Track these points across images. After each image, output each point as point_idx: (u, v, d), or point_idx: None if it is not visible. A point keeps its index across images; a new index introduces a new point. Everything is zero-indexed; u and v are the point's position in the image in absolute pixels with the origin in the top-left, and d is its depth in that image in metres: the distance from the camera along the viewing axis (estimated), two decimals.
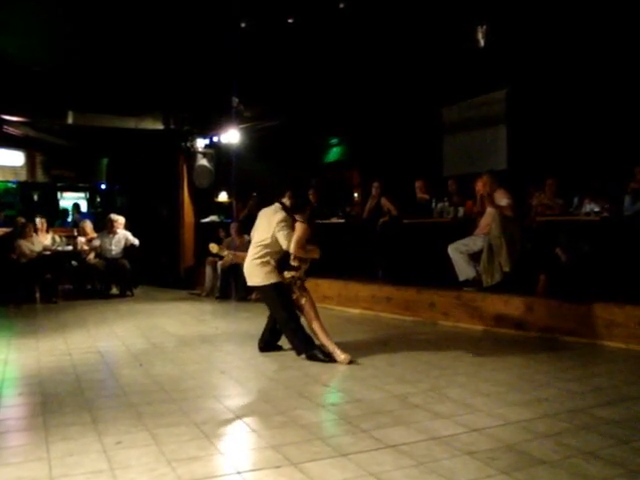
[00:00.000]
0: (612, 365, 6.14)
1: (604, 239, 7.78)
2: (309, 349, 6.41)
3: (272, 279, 6.57)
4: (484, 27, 8.78)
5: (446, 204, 10.41)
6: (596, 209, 8.37)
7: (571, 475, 3.38)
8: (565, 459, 3.60)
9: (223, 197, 17.06)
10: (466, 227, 9.11)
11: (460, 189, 10.58)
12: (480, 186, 8.77)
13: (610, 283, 7.23)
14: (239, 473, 3.46)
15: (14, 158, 18.00)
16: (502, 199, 8.45)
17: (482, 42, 8.87)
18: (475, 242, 8.67)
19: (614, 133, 9.49)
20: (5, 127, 14.13)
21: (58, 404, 4.93)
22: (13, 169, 18.15)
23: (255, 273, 6.70)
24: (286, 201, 6.83)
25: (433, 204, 10.61)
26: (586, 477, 3.36)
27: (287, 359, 6.49)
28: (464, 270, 8.71)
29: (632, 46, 9.04)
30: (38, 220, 12.91)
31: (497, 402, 4.79)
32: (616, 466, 3.49)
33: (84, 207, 20.54)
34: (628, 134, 9.30)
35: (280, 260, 6.67)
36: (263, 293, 6.81)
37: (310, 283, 10.83)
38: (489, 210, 8.55)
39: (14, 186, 19.08)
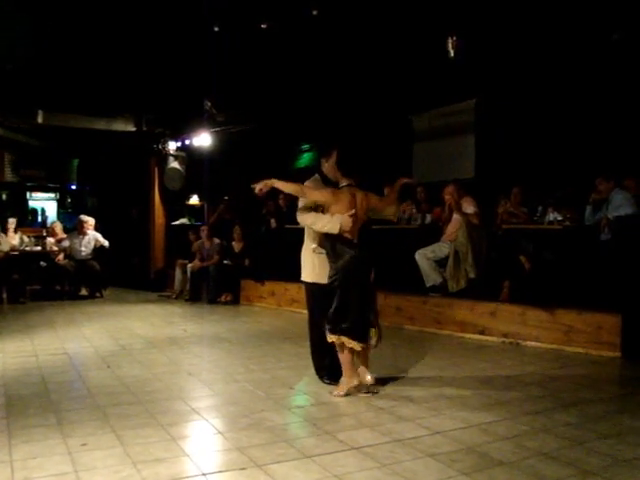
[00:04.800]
0: (570, 369, 6.29)
1: (566, 247, 7.95)
2: (318, 370, 5.77)
3: (307, 278, 5.68)
4: (454, 38, 8.93)
5: (414, 211, 10.53)
6: (559, 218, 8.54)
7: (528, 476, 3.49)
8: (523, 460, 3.71)
9: (194, 200, 17.06)
10: (433, 234, 9.23)
11: (428, 196, 10.70)
12: (448, 194, 8.90)
13: (571, 290, 7.39)
14: (204, 475, 3.51)
15: None
16: (469, 207, 8.59)
17: (452, 53, 9.01)
18: (442, 249, 8.80)
19: (577, 145, 9.69)
20: None
21: (23, 406, 4.92)
22: None
23: (302, 263, 5.79)
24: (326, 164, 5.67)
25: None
26: (542, 477, 3.47)
27: (254, 362, 6.54)
28: (430, 276, 8.84)
29: (597, 59, 9.25)
30: (8, 220, 12.84)
31: (460, 405, 4.90)
32: (570, 466, 3.61)
33: (54, 208, 20.42)
34: (590, 146, 9.51)
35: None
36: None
37: (279, 287, 11.04)
38: (456, 217, 8.68)
39: None
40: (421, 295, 8.89)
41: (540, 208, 9.12)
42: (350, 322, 5.10)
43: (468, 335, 8.08)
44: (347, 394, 5.17)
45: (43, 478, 3.48)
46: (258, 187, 5.30)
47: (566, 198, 8.86)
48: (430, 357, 6.90)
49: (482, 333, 7.95)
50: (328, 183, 5.58)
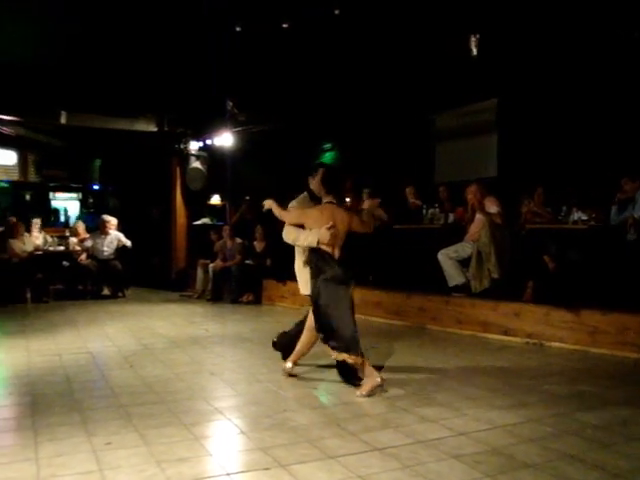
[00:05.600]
0: (595, 371, 6.23)
1: (591, 247, 7.88)
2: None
3: (305, 291, 5.81)
4: (477, 36, 8.87)
5: (437, 210, 10.49)
6: (584, 217, 8.47)
7: (554, 478, 3.44)
8: (548, 462, 3.67)
9: (216, 200, 17.09)
10: (456, 233, 9.19)
11: (451, 196, 10.65)
12: (471, 194, 8.86)
13: (596, 291, 7.31)
14: (228, 475, 3.50)
15: (6, 157, 18.01)
16: (492, 206, 8.54)
17: (475, 51, 8.96)
18: (464, 248, 8.76)
19: (602, 143, 9.60)
20: None
21: (47, 405, 4.95)
22: (5, 168, 18.16)
23: (297, 277, 6.02)
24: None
25: (424, 210, 10.69)
26: None
27: (276, 362, 6.50)
28: (453, 276, 8.80)
29: (621, 57, 9.15)
30: (33, 220, 12.95)
31: (484, 406, 4.85)
32: (597, 469, 3.56)
33: (76, 208, 20.57)
34: (615, 145, 9.41)
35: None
36: None
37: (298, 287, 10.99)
38: (479, 217, 8.64)
39: (6, 185, 19.09)
40: (444, 295, 8.85)
41: (564, 208, 9.06)
42: (340, 338, 5.24)
43: (491, 335, 8.01)
44: (370, 394, 5.15)
45: (68, 476, 3.49)
46: (266, 206, 5.83)
47: (591, 198, 8.78)
48: (453, 358, 6.86)
49: (506, 334, 7.89)
50: (315, 199, 5.84)
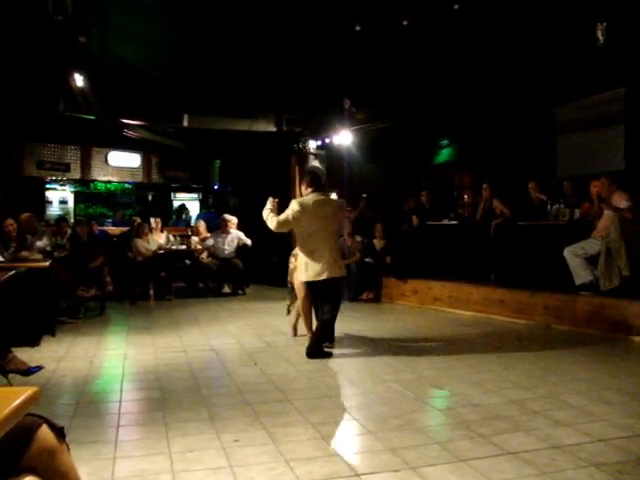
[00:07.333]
0: None
1: None
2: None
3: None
4: (604, 24, 8.51)
5: (562, 206, 10.12)
6: None
7: None
8: None
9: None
10: (583, 230, 8.86)
11: (576, 191, 10.27)
12: (597, 188, 8.53)
13: None
14: (357, 475, 3.47)
15: (131, 160, 18.73)
16: (621, 201, 8.21)
17: (601, 39, 8.60)
18: (592, 245, 8.44)
19: None
20: (125, 130, 14.65)
21: (176, 400, 5.08)
22: (130, 170, 18.90)
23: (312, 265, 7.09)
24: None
25: (548, 206, 10.35)
26: None
27: (400, 362, 6.45)
28: (581, 274, 8.49)
29: None
30: (153, 220, 13.36)
31: (622, 411, 4.61)
32: None
33: (197, 208, 21.14)
34: None
35: None
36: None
37: (422, 285, 10.92)
38: (607, 213, 8.31)
39: (130, 187, 19.86)
40: (570, 293, 8.53)
41: None
42: None
43: (622, 336, 7.63)
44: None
45: (200, 471, 3.57)
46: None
47: None
48: (583, 358, 6.57)
49: (639, 334, 7.51)
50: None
